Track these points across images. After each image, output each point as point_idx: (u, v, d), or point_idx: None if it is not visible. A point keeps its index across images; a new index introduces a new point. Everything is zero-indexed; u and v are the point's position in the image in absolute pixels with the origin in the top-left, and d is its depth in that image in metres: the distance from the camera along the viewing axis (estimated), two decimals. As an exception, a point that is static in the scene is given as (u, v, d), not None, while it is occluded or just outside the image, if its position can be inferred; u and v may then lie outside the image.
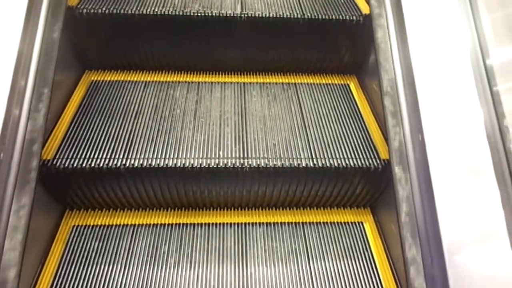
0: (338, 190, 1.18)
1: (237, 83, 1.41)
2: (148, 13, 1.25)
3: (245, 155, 1.12)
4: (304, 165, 1.10)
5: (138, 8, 1.26)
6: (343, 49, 1.38)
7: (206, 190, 1.16)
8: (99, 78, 1.39)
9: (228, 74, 1.45)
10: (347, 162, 1.12)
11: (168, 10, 1.25)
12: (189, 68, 1.42)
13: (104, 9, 1.24)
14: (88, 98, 1.30)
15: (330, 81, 1.45)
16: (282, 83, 1.42)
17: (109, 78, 1.39)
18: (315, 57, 1.41)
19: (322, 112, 1.30)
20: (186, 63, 1.40)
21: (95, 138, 1.15)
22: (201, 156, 1.11)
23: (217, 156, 1.12)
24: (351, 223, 1.24)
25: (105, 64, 1.38)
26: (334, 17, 1.30)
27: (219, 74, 1.45)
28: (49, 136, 1.14)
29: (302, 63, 1.43)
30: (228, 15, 1.27)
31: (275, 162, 1.10)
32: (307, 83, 1.43)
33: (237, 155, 1.12)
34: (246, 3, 1.34)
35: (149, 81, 1.38)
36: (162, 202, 1.20)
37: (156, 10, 1.25)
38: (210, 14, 1.26)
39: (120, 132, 1.18)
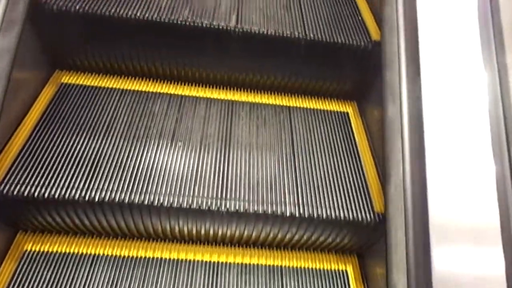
0: (323, 239, 1.06)
1: (225, 100, 1.26)
2: (129, 16, 1.08)
3: (224, 195, 0.99)
4: (288, 213, 0.97)
5: (118, 10, 1.09)
6: (345, 74, 1.24)
7: (177, 226, 1.03)
8: (70, 81, 1.23)
9: (215, 88, 1.31)
10: (337, 213, 0.99)
11: (153, 16, 1.09)
12: (172, 78, 1.28)
13: (78, 7, 1.07)
14: (55, 105, 1.14)
15: (327, 107, 1.31)
16: (275, 106, 1.28)
17: (81, 82, 1.23)
18: (314, 79, 1.26)
19: (315, 144, 1.17)
20: (169, 72, 1.25)
21: (54, 158, 1.00)
22: (173, 191, 0.98)
23: (191, 193, 0.98)
24: (335, 270, 1.13)
25: (78, 65, 1.22)
26: (340, 40, 1.14)
27: (205, 87, 1.30)
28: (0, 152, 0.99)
29: (298, 85, 1.28)
30: (220, 27, 1.11)
31: (256, 207, 0.97)
32: (302, 108, 1.29)
33: (215, 194, 0.99)
34: (242, 15, 1.18)
35: (126, 90, 1.23)
36: (125, 232, 1.07)
37: (138, 14, 1.09)
38: (200, 25, 1.10)
39: (85, 152, 1.03)
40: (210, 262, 1.09)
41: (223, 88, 1.30)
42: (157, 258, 1.08)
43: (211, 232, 1.05)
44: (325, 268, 1.13)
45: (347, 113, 1.30)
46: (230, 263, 1.09)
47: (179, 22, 1.09)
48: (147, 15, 1.09)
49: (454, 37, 0.97)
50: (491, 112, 0.95)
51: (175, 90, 1.27)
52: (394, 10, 1.07)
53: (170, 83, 1.29)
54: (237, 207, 0.96)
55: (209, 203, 0.96)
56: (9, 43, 0.95)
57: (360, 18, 1.23)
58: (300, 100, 1.32)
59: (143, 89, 1.25)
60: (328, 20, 1.20)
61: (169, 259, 1.08)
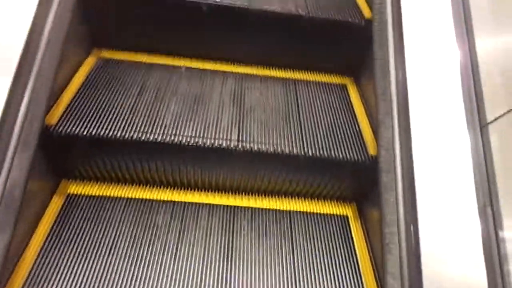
0: None
1: (226, 206, 1.28)
2: (133, 139, 1.13)
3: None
4: None
5: (122, 133, 1.13)
6: (345, 182, 1.27)
7: None
8: (77, 191, 1.26)
9: (217, 192, 1.33)
10: None
11: (156, 138, 1.13)
12: (175, 184, 1.31)
13: (85, 132, 1.11)
14: (62, 218, 1.17)
15: (327, 211, 1.33)
16: (275, 211, 1.30)
17: (87, 192, 1.26)
18: (315, 184, 1.29)
19: (315, 254, 1.19)
20: (172, 179, 1.29)
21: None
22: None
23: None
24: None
25: (84, 176, 1.26)
26: (339, 156, 1.18)
27: (207, 192, 1.33)
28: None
29: (299, 190, 1.31)
30: (222, 147, 1.14)
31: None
32: (302, 212, 1.31)
33: None
34: (243, 130, 1.22)
35: (130, 199, 1.26)
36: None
37: (142, 136, 1.13)
38: (202, 145, 1.14)
39: (88, 278, 1.05)
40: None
41: (224, 193, 1.33)
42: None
43: None
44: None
45: (347, 217, 1.32)
46: None
47: (181, 143, 1.13)
48: (150, 137, 1.13)
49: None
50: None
51: (178, 197, 1.29)
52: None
53: (173, 189, 1.31)
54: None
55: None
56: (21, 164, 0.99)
57: (357, 128, 1.26)
58: (300, 203, 1.34)
59: (147, 197, 1.27)
60: (326, 133, 1.24)
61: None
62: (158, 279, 1.06)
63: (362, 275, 1.15)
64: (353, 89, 1.47)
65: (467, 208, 0.92)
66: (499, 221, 0.89)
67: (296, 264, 1.15)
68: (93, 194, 1.25)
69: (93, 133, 1.10)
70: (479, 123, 1.00)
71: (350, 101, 1.39)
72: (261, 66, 1.52)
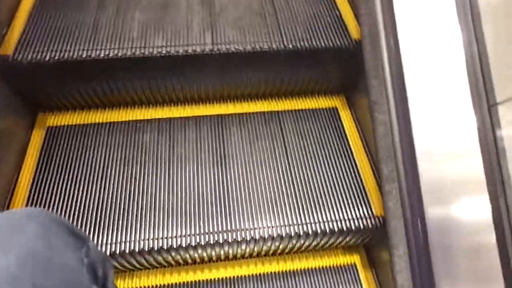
0: (329, 243, 1.11)
1: (214, 116, 1.25)
2: (101, 57, 1.05)
3: (225, 225, 1.02)
4: (293, 234, 1.01)
5: (89, 53, 1.05)
6: (330, 73, 1.22)
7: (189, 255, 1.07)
8: (57, 123, 1.21)
9: (203, 104, 1.29)
10: (339, 225, 1.03)
11: (125, 53, 1.06)
12: (157, 101, 1.26)
13: (47, 57, 1.03)
14: (47, 151, 1.14)
15: (316, 105, 1.31)
16: (264, 113, 1.27)
17: (68, 122, 1.22)
18: (300, 81, 1.25)
19: (308, 151, 1.18)
20: (153, 97, 1.23)
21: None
22: (179, 229, 1.01)
23: (196, 228, 1.01)
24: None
25: (60, 106, 1.20)
26: (321, 45, 1.11)
27: (192, 105, 1.29)
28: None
29: (284, 89, 1.27)
30: (197, 52, 1.08)
31: (259, 233, 1.01)
32: (291, 111, 1.28)
33: (216, 225, 1.02)
34: (217, 32, 1.14)
35: (114, 123, 1.22)
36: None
37: (110, 53, 1.06)
38: (175, 53, 1.07)
39: (87, 202, 1.05)
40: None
41: (210, 103, 1.29)
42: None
43: (222, 253, 1.09)
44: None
45: (336, 108, 1.30)
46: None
47: (153, 55, 1.06)
48: (118, 53, 1.06)
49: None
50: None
51: (162, 114, 1.25)
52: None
53: (156, 107, 1.27)
54: (240, 237, 0.99)
55: (212, 237, 0.99)
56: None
57: (338, 13, 1.18)
58: (288, 102, 1.31)
59: (131, 118, 1.23)
60: (306, 23, 1.16)
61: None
62: (154, 193, 1.07)
63: (357, 163, 1.16)
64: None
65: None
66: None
67: (290, 162, 1.15)
68: (74, 123, 1.21)
69: (56, 56, 1.02)
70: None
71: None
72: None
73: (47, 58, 1.01)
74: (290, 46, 1.09)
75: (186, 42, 1.09)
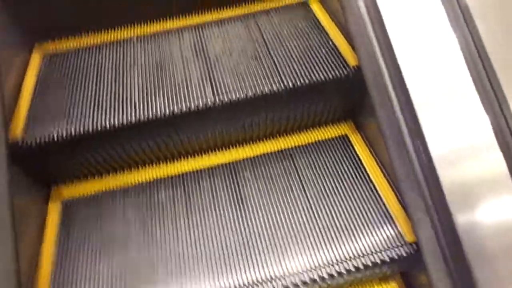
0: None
1: (225, 164, 1.24)
2: (106, 127, 1.06)
3: (252, 267, 0.99)
4: (326, 276, 0.97)
5: (95, 124, 1.07)
6: (333, 102, 1.21)
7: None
8: (72, 195, 1.22)
9: (211, 153, 1.29)
10: (371, 259, 0.99)
11: (130, 119, 1.07)
12: (166, 158, 1.26)
13: (55, 135, 1.04)
14: (63, 225, 1.14)
15: (326, 135, 1.29)
16: (276, 152, 1.26)
17: (85, 193, 1.22)
18: (306, 116, 1.24)
19: (324, 182, 1.16)
20: (162, 155, 1.23)
21: None
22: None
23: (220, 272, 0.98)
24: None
25: (77, 177, 1.21)
26: (320, 78, 1.11)
27: (201, 156, 1.28)
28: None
29: (291, 125, 1.26)
30: (200, 107, 1.08)
31: (289, 280, 0.98)
32: (302, 146, 1.27)
33: (244, 267, 0.99)
34: (216, 82, 1.14)
35: (126, 188, 1.21)
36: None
37: (114, 121, 1.07)
38: (178, 111, 1.08)
39: (108, 273, 1.03)
40: None
41: (219, 151, 1.28)
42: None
43: None
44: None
45: (346, 135, 1.28)
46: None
47: (156, 116, 1.06)
48: (123, 120, 1.06)
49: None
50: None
51: (174, 170, 1.25)
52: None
53: (167, 163, 1.27)
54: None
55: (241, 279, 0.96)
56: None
57: (332, 44, 1.18)
58: (298, 137, 1.30)
59: (143, 180, 1.23)
60: (302, 59, 1.16)
61: None
62: (177, 253, 1.05)
63: (376, 187, 1.13)
64: (317, 6, 1.37)
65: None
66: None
67: (309, 198, 1.13)
68: (88, 193, 1.21)
69: (63, 134, 1.02)
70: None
71: (316, 18, 1.29)
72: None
73: (55, 137, 1.02)
74: (290, 84, 1.09)
75: (187, 98, 1.10)
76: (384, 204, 1.09)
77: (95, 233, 1.10)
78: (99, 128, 1.05)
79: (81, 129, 1.05)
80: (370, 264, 0.97)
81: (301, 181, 1.17)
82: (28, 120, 1.09)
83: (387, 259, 0.98)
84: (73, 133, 1.05)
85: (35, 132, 1.06)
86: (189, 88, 1.13)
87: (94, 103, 1.13)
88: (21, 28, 1.26)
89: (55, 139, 1.03)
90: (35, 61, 1.27)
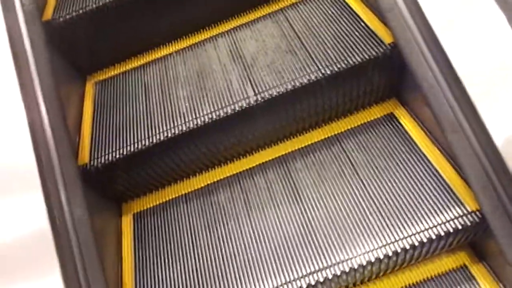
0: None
1: (276, 159, 1.28)
2: (162, 140, 1.13)
3: (317, 258, 1.02)
4: (382, 256, 0.98)
5: (150, 140, 1.14)
6: (375, 82, 1.21)
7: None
8: (140, 208, 1.31)
9: (261, 150, 1.33)
10: (435, 231, 0.99)
11: (181, 127, 1.13)
12: (220, 161, 1.31)
13: (115, 154, 1.13)
14: (137, 237, 1.23)
15: (372, 116, 1.29)
16: (324, 140, 1.28)
17: (147, 205, 1.31)
18: (348, 100, 1.25)
19: (376, 162, 1.16)
20: (217, 159, 1.29)
21: None
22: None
23: (295, 275, 1.02)
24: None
25: (148, 190, 1.30)
26: (357, 60, 1.12)
27: (252, 154, 1.33)
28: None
29: (335, 112, 1.27)
30: (244, 107, 1.12)
31: (354, 262, 0.99)
32: (350, 129, 1.28)
33: (309, 260, 1.02)
34: (255, 81, 1.18)
35: (187, 194, 1.29)
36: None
37: (168, 133, 1.14)
38: (224, 115, 1.13)
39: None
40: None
41: (269, 147, 1.32)
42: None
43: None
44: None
45: (392, 113, 1.27)
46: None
47: (205, 122, 1.12)
48: (175, 131, 1.13)
49: None
50: None
51: (229, 171, 1.30)
52: None
53: (221, 166, 1.33)
54: (339, 270, 0.98)
55: (311, 279, 0.99)
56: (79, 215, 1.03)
57: (364, 24, 1.18)
58: (344, 121, 1.30)
59: (201, 185, 1.29)
60: (335, 44, 1.17)
61: None
62: (242, 250, 1.10)
63: (431, 162, 1.12)
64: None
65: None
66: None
67: (363, 181, 1.14)
68: (154, 204, 1.29)
69: (124, 153, 1.11)
70: None
71: (344, 1, 1.30)
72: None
73: (117, 157, 1.10)
74: (328, 72, 1.11)
75: (231, 101, 1.14)
76: (440, 175, 1.07)
77: (166, 241, 1.18)
78: (155, 142, 1.13)
79: (139, 146, 1.13)
80: (434, 237, 0.97)
81: (352, 164, 1.18)
82: (91, 145, 1.19)
83: (451, 230, 0.97)
84: (131, 151, 1.13)
85: (99, 155, 1.15)
86: (231, 91, 1.18)
87: (146, 120, 1.21)
88: (75, 67, 1.39)
89: (117, 159, 1.11)
90: (89, 91, 1.38)
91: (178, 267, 1.12)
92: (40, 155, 0.95)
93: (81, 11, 1.26)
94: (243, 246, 1.11)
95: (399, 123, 1.23)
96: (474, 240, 1.09)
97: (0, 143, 0.96)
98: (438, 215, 1.00)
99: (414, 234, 0.98)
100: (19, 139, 0.95)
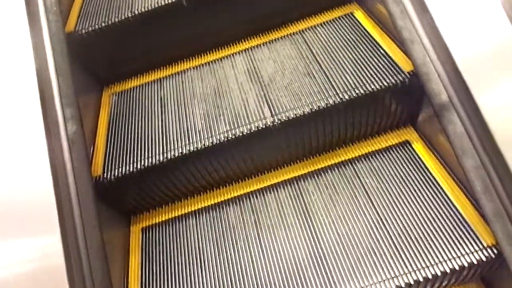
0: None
1: (288, 180, 1.27)
2: (177, 156, 1.13)
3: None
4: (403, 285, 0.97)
5: (165, 155, 1.14)
6: (393, 109, 1.21)
7: None
8: (149, 223, 1.30)
9: (274, 171, 1.32)
10: (453, 263, 0.97)
11: (196, 144, 1.13)
12: (232, 179, 1.31)
13: (129, 168, 1.13)
14: (146, 254, 1.22)
15: (386, 143, 1.29)
16: (338, 164, 1.27)
17: (157, 220, 1.30)
18: (365, 125, 1.24)
19: (391, 190, 1.15)
20: (229, 177, 1.29)
21: None
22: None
23: None
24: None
25: (155, 204, 1.29)
26: (375, 87, 1.12)
27: (265, 174, 1.32)
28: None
29: (351, 136, 1.27)
30: (261, 127, 1.13)
31: (370, 292, 0.98)
32: (364, 155, 1.27)
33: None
34: (272, 102, 1.19)
35: (196, 211, 1.28)
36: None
37: (183, 150, 1.14)
38: (240, 134, 1.13)
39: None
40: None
41: (282, 168, 1.32)
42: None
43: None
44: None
45: (407, 141, 1.27)
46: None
47: (220, 141, 1.12)
48: (190, 148, 1.13)
49: None
50: None
51: (240, 190, 1.30)
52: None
53: (232, 185, 1.32)
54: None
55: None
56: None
57: (383, 51, 1.19)
58: (358, 146, 1.30)
59: (212, 202, 1.29)
60: (354, 70, 1.17)
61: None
62: (250, 271, 1.08)
63: (446, 192, 1.11)
64: (362, 15, 1.38)
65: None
66: None
67: (376, 208, 1.13)
68: (164, 219, 1.29)
69: (138, 167, 1.11)
70: None
71: (363, 27, 1.30)
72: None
73: (130, 171, 1.10)
74: (346, 97, 1.11)
75: (247, 121, 1.14)
76: (455, 207, 1.06)
77: (174, 257, 1.17)
78: (169, 157, 1.13)
79: (153, 160, 1.13)
80: (448, 271, 0.95)
81: (365, 190, 1.17)
82: (105, 157, 1.19)
83: (465, 264, 0.95)
84: (145, 165, 1.13)
85: (112, 168, 1.15)
86: (248, 111, 1.18)
87: (161, 134, 1.21)
88: (92, 77, 1.41)
89: (131, 172, 1.11)
90: (106, 102, 1.39)
91: (184, 286, 1.10)
92: (55, 164, 0.95)
93: (103, 25, 1.27)
94: (251, 268, 1.09)
95: (414, 150, 1.22)
96: (486, 275, 1.07)
97: (20, 152, 0.96)
98: (453, 248, 0.98)
99: (428, 267, 0.97)
100: (36, 146, 0.95)
